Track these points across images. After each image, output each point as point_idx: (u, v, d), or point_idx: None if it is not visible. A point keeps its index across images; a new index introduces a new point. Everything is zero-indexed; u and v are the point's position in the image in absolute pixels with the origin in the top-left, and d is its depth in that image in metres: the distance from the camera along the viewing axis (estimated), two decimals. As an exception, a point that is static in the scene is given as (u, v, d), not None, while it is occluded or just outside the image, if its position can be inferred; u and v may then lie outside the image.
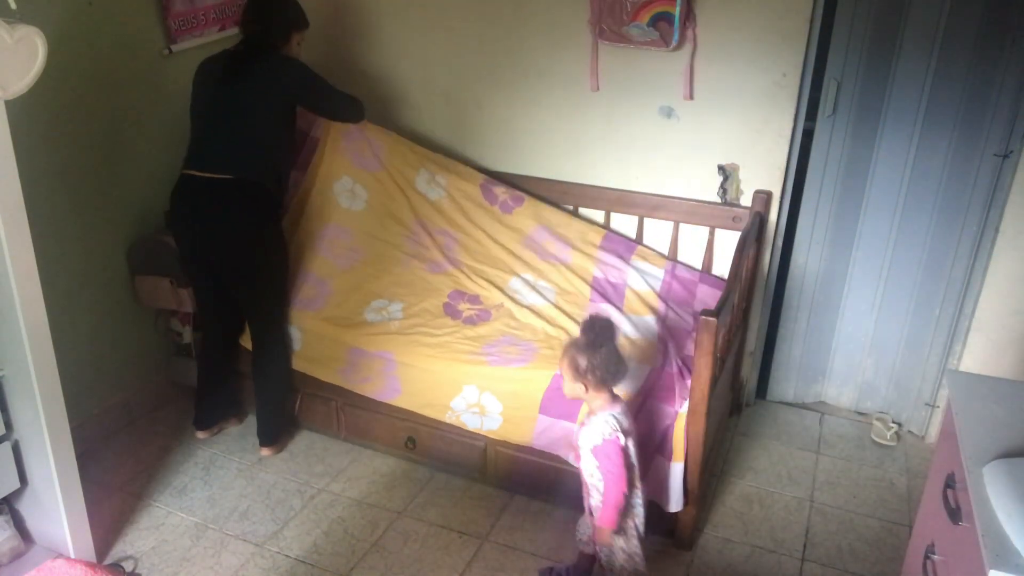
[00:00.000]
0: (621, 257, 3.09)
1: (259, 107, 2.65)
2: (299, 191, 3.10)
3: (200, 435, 3.02)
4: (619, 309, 2.88)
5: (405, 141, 3.27)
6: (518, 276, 3.04)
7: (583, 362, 2.06)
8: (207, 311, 2.88)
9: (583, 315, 2.78)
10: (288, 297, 2.85)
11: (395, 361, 2.70)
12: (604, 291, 2.97)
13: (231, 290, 2.76)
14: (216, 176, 2.60)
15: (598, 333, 2.09)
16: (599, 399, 2.12)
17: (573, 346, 2.10)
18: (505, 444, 2.66)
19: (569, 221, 3.19)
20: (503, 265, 3.09)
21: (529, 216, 3.17)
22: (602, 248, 3.12)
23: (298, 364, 2.87)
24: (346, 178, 3.12)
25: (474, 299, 2.95)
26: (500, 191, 3.22)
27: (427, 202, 3.20)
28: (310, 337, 2.83)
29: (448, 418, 2.66)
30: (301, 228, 3.02)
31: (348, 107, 2.97)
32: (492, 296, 2.96)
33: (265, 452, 2.94)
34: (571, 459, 2.40)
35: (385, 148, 3.20)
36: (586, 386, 2.09)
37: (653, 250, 3.17)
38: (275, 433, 2.96)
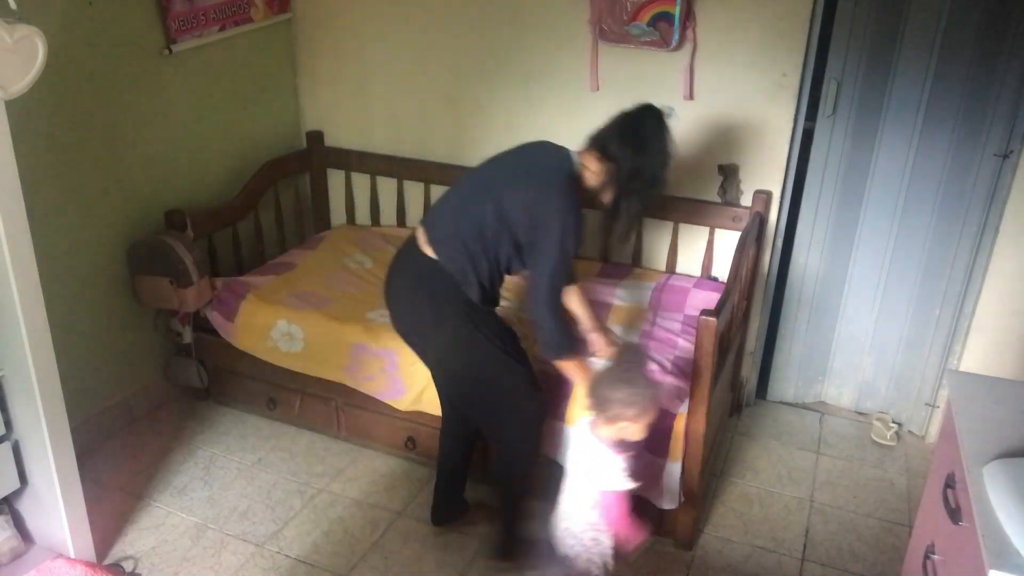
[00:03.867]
0: (614, 279, 3.12)
1: (496, 202, 2.18)
2: (305, 258, 3.28)
3: (436, 529, 2.64)
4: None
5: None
6: (508, 301, 3.05)
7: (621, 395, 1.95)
8: (439, 392, 2.53)
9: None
10: (511, 398, 2.32)
11: (397, 361, 2.70)
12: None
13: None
14: (423, 251, 2.26)
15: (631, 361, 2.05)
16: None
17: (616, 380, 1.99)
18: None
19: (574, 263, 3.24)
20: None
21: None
22: (598, 275, 3.16)
23: (302, 365, 2.86)
24: (356, 254, 3.34)
25: None
26: None
27: None
28: (314, 335, 2.82)
29: None
30: (304, 277, 3.14)
31: (551, 287, 2.17)
32: None
33: (492, 563, 2.50)
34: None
35: (394, 237, 3.42)
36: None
37: (650, 269, 3.18)
38: (502, 550, 2.45)
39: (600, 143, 2.20)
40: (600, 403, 1.99)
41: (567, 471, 2.15)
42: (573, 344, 2.25)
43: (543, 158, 2.26)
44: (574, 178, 2.18)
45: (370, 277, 3.19)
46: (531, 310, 2.20)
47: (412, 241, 2.31)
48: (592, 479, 2.04)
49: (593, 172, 2.20)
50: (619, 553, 2.11)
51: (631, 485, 2.00)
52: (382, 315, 2.88)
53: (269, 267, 3.22)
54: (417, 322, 2.31)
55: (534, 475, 2.37)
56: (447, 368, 2.37)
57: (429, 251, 2.24)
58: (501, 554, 2.45)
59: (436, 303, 2.24)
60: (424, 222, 2.32)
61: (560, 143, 3.17)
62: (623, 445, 2.02)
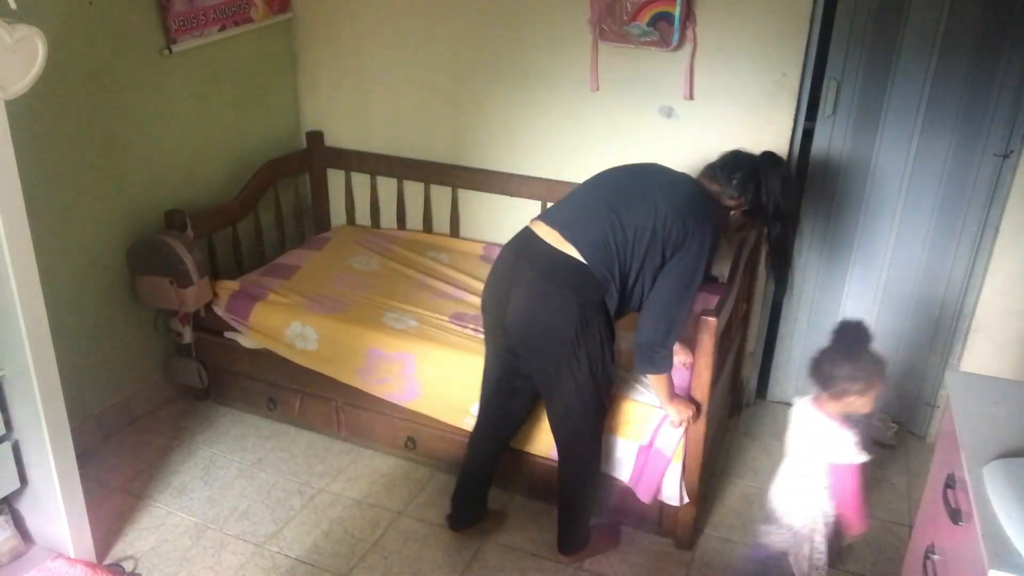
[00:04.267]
0: None
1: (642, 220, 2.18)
2: (311, 259, 3.29)
3: (455, 533, 2.64)
4: None
5: (412, 239, 3.53)
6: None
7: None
8: (486, 394, 2.47)
9: None
10: (604, 409, 2.38)
11: (415, 364, 2.69)
12: None
13: (538, 388, 2.37)
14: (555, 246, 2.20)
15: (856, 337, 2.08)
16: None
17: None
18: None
19: None
20: None
21: None
22: None
23: (315, 364, 2.85)
24: (361, 254, 3.35)
25: (476, 318, 2.95)
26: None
27: (433, 264, 3.31)
28: (328, 338, 2.82)
29: (466, 424, 2.65)
30: (313, 279, 3.14)
31: (681, 306, 2.23)
32: None
33: (564, 559, 2.53)
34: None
35: (397, 238, 3.50)
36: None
37: None
38: (579, 543, 2.50)
39: (739, 181, 2.27)
40: (824, 381, 2.06)
41: (786, 453, 2.20)
42: (671, 362, 2.30)
43: (683, 179, 2.30)
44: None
45: (375, 278, 3.18)
46: (653, 324, 2.22)
47: (537, 239, 2.22)
48: (822, 455, 2.10)
49: (732, 203, 2.31)
50: (842, 533, 2.20)
51: (865, 457, 2.06)
52: (395, 318, 2.88)
53: (276, 268, 3.21)
54: (553, 325, 2.18)
55: (597, 481, 2.45)
56: (559, 375, 2.24)
57: (574, 252, 2.16)
58: (575, 548, 2.50)
59: (586, 310, 2.16)
60: (552, 221, 2.23)
61: (561, 144, 3.20)
62: (851, 419, 2.08)
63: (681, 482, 2.44)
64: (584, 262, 2.15)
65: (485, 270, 3.24)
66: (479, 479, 2.57)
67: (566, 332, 2.16)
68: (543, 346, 2.23)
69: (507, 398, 2.44)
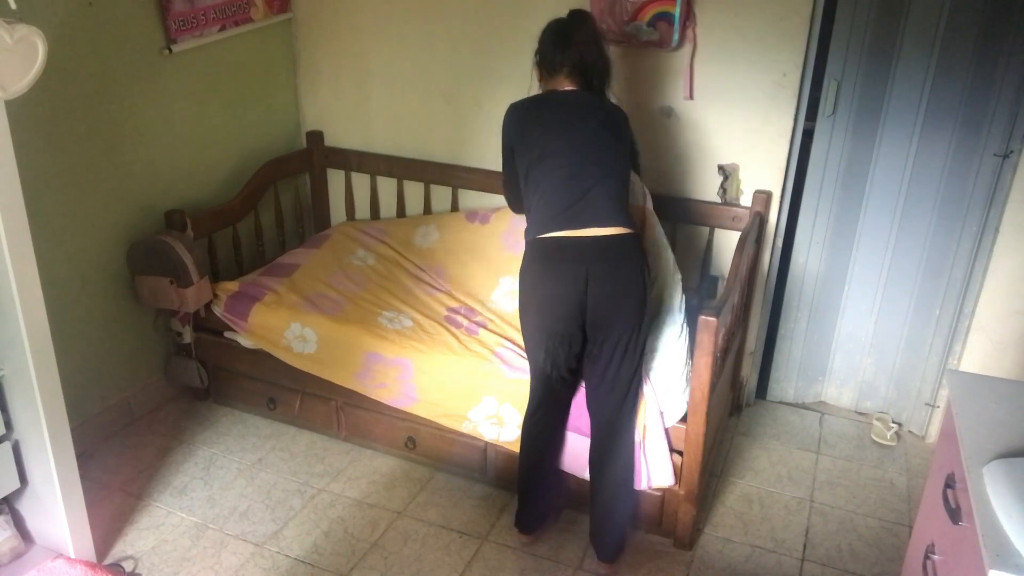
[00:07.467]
0: None
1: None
2: (310, 257, 3.28)
3: (524, 539, 2.59)
4: None
5: (405, 221, 3.56)
6: (499, 287, 3.06)
7: None
8: (546, 388, 2.40)
9: None
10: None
11: (413, 369, 2.69)
12: None
13: (603, 360, 2.32)
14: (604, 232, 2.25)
15: None
16: None
17: None
18: (505, 443, 2.65)
19: None
20: (484, 279, 3.12)
21: (505, 220, 3.24)
22: None
23: (313, 368, 2.85)
24: (359, 250, 3.37)
25: (469, 315, 2.96)
26: (478, 213, 3.38)
27: (423, 250, 3.35)
28: (327, 339, 2.81)
29: (465, 428, 2.65)
30: (312, 277, 3.14)
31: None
32: (481, 310, 2.99)
33: (606, 570, 2.47)
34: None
35: (390, 224, 3.54)
36: None
37: None
38: (623, 543, 2.49)
39: (572, 64, 2.41)
40: None
41: None
42: None
43: (581, 97, 2.40)
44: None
45: (373, 275, 3.19)
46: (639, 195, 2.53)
47: (582, 236, 2.21)
48: None
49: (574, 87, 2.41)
50: None
51: None
52: (390, 319, 2.88)
53: (276, 267, 3.21)
54: (639, 295, 2.25)
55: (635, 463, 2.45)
56: (637, 337, 2.30)
57: (620, 229, 2.23)
58: (620, 552, 2.48)
59: (647, 276, 2.29)
60: (576, 223, 2.22)
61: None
62: None
63: (667, 461, 2.41)
64: (630, 231, 2.26)
65: (473, 258, 3.24)
66: (544, 473, 2.53)
67: (645, 296, 2.28)
68: (630, 317, 2.27)
69: (565, 388, 2.43)
